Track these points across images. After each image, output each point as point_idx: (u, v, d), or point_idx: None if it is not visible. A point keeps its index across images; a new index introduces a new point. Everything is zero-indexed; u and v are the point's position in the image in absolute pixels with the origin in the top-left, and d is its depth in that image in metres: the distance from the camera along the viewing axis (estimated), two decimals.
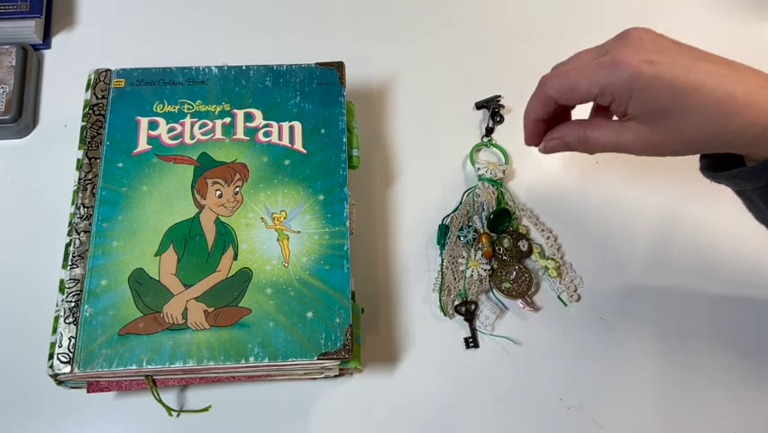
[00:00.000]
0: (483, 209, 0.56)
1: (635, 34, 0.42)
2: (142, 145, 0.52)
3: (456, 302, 0.53)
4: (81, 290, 0.46)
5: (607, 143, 0.44)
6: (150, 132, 0.52)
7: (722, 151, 0.42)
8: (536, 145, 0.49)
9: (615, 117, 0.44)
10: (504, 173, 0.57)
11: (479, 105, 0.62)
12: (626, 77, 0.40)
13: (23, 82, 0.59)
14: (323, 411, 0.50)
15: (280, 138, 0.52)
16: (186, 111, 0.53)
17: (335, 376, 0.51)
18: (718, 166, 0.44)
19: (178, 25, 0.65)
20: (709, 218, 0.55)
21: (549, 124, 0.47)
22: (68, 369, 0.44)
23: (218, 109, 0.53)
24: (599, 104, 0.43)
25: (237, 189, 0.50)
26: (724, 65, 0.40)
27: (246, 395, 0.51)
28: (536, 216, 0.57)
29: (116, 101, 0.53)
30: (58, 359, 0.44)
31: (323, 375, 0.50)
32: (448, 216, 0.57)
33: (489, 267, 0.54)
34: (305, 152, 0.52)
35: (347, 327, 0.46)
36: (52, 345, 0.45)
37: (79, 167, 0.51)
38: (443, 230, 0.56)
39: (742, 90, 0.39)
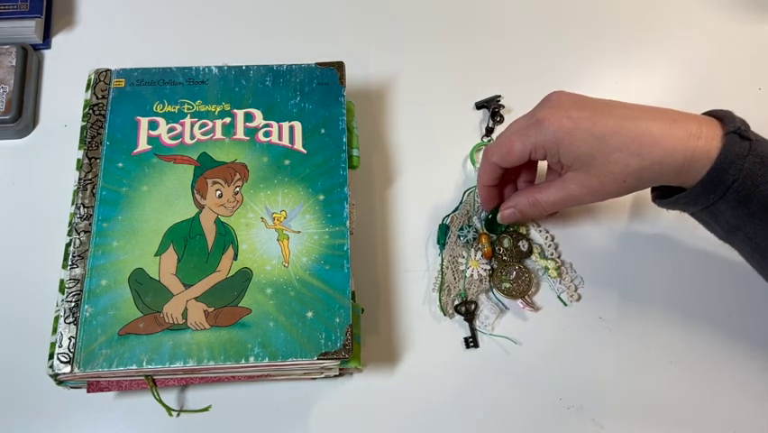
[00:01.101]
0: (483, 209, 0.56)
1: (555, 97, 0.48)
2: (142, 145, 0.52)
3: (456, 302, 0.53)
4: (81, 290, 0.46)
5: (555, 199, 0.49)
6: (151, 132, 0.52)
7: (656, 184, 0.46)
8: (492, 210, 0.55)
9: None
10: None
11: (479, 106, 0.62)
12: (550, 132, 0.46)
13: (23, 82, 0.59)
14: (323, 411, 0.50)
15: (280, 138, 0.52)
16: (186, 111, 0.53)
17: (335, 376, 0.51)
18: (666, 195, 0.48)
19: (178, 25, 0.65)
20: None
21: (502, 190, 0.54)
22: (68, 369, 0.44)
23: (218, 109, 0.53)
24: (535, 159, 0.49)
25: (237, 189, 0.50)
26: (637, 109, 0.46)
27: (246, 395, 0.51)
28: None
29: (116, 101, 0.53)
30: (58, 359, 0.44)
31: (323, 375, 0.50)
32: (448, 215, 0.57)
33: (488, 267, 0.54)
34: (305, 152, 0.52)
35: (347, 327, 0.46)
36: (52, 345, 0.45)
37: (79, 167, 0.51)
38: (444, 230, 0.56)
39: (657, 126, 0.44)
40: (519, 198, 0.52)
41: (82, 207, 0.49)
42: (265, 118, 0.53)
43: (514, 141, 0.48)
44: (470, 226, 0.55)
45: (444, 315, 0.53)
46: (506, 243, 0.55)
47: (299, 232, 0.49)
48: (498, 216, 0.54)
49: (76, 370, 0.44)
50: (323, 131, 0.53)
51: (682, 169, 0.44)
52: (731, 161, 0.43)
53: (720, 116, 0.45)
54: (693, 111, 0.47)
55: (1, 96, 0.58)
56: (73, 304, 0.46)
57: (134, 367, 0.44)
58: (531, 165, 0.54)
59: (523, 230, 0.56)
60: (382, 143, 0.60)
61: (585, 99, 0.48)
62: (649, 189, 0.51)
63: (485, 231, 0.55)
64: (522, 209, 0.52)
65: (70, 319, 0.45)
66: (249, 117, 0.53)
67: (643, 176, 0.45)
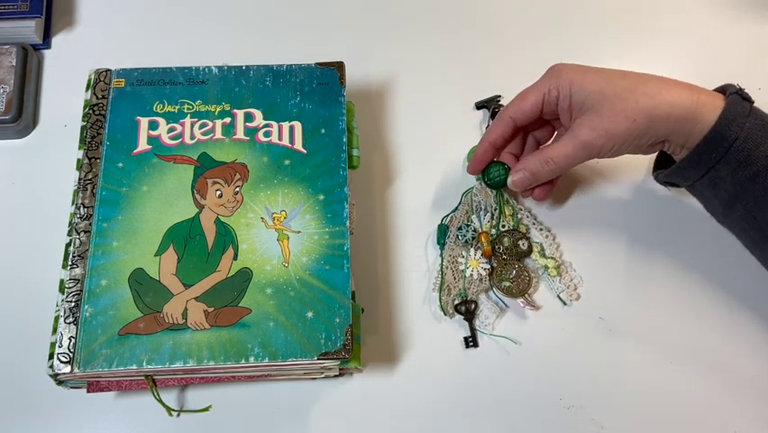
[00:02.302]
0: (481, 208, 0.56)
1: (562, 63, 0.50)
2: (142, 145, 0.52)
3: (456, 301, 0.53)
4: (81, 290, 0.46)
5: (567, 150, 0.49)
6: (151, 132, 0.52)
7: (663, 131, 0.47)
8: (476, 173, 0.55)
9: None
10: None
11: (479, 106, 0.62)
12: (564, 74, 0.48)
13: (23, 82, 0.59)
14: (323, 411, 0.50)
15: (280, 138, 0.52)
16: (186, 111, 0.53)
17: (335, 376, 0.51)
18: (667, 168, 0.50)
19: (178, 25, 0.65)
20: (710, 217, 0.55)
21: (497, 155, 0.55)
22: (68, 369, 0.44)
23: (218, 109, 0.53)
24: (546, 112, 0.50)
25: (237, 189, 0.50)
26: (639, 72, 0.48)
27: (246, 395, 0.51)
28: (534, 216, 0.57)
29: (116, 101, 0.53)
30: (58, 359, 0.44)
31: (323, 375, 0.50)
32: (447, 215, 0.57)
33: (488, 266, 0.54)
34: (305, 152, 0.52)
35: (347, 327, 0.46)
36: (52, 345, 0.45)
37: (79, 167, 0.51)
38: (443, 230, 0.56)
39: (663, 80, 0.47)
40: (527, 159, 0.52)
41: (82, 207, 0.49)
42: (265, 118, 0.53)
43: (529, 90, 0.50)
44: (468, 226, 0.55)
45: (444, 314, 0.53)
46: (505, 241, 0.55)
47: (299, 232, 0.49)
48: (509, 182, 0.53)
49: (76, 370, 0.44)
50: (323, 131, 0.53)
51: (688, 116, 0.45)
52: (733, 118, 0.45)
53: (721, 88, 0.48)
54: None
55: (1, 96, 0.58)
56: (73, 304, 0.46)
57: (134, 367, 0.44)
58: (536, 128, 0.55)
59: (523, 229, 0.56)
60: (382, 143, 0.60)
61: (593, 66, 0.50)
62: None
63: (484, 229, 0.55)
64: (533, 170, 0.51)
65: (70, 319, 0.45)
66: (249, 117, 0.53)
67: (653, 114, 0.46)
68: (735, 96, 0.46)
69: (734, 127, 0.45)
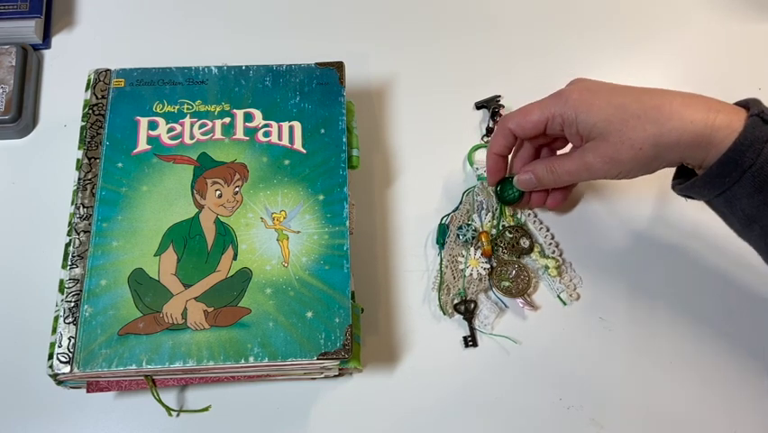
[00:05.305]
0: (483, 208, 0.56)
1: (575, 80, 0.50)
2: (142, 145, 0.52)
3: (455, 301, 0.53)
4: (81, 290, 0.46)
5: (571, 168, 0.49)
6: (150, 132, 0.52)
7: (674, 157, 0.46)
8: (493, 184, 0.55)
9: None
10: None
11: (479, 106, 0.62)
12: (570, 102, 0.47)
13: (23, 82, 0.59)
14: (323, 411, 0.50)
15: (280, 138, 0.52)
16: (185, 111, 0.53)
17: (335, 376, 0.51)
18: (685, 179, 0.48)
19: (177, 25, 0.65)
20: (711, 218, 0.55)
21: (508, 163, 0.54)
22: (67, 369, 0.44)
23: (218, 109, 0.53)
24: (550, 133, 0.50)
25: (237, 189, 0.50)
26: (657, 88, 0.47)
27: (246, 395, 0.51)
28: (535, 214, 0.57)
29: (116, 101, 0.53)
30: (58, 359, 0.44)
31: (323, 375, 0.50)
32: (448, 215, 0.57)
33: (488, 265, 0.54)
34: (304, 151, 0.52)
35: (347, 327, 0.46)
36: (52, 345, 0.45)
37: (79, 167, 0.51)
38: (442, 229, 0.56)
39: (678, 99, 0.45)
40: (537, 164, 0.52)
41: (82, 207, 0.49)
42: (265, 118, 0.53)
43: (533, 108, 0.49)
44: (469, 225, 0.55)
45: (444, 314, 0.53)
46: (507, 236, 0.55)
47: (299, 232, 0.49)
48: (515, 180, 0.54)
49: (75, 370, 0.44)
50: (322, 131, 0.53)
51: (701, 142, 0.44)
52: (750, 143, 0.42)
53: (745, 103, 0.45)
54: None
55: (1, 96, 0.58)
56: (73, 304, 0.46)
57: (134, 367, 0.44)
58: (548, 142, 0.54)
59: (525, 227, 0.56)
60: (382, 143, 0.60)
61: (604, 83, 0.48)
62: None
63: (485, 228, 0.55)
64: (538, 175, 0.51)
65: (70, 319, 0.45)
66: (248, 117, 0.53)
67: (660, 143, 0.45)
68: (755, 119, 0.43)
69: (749, 154, 0.42)
